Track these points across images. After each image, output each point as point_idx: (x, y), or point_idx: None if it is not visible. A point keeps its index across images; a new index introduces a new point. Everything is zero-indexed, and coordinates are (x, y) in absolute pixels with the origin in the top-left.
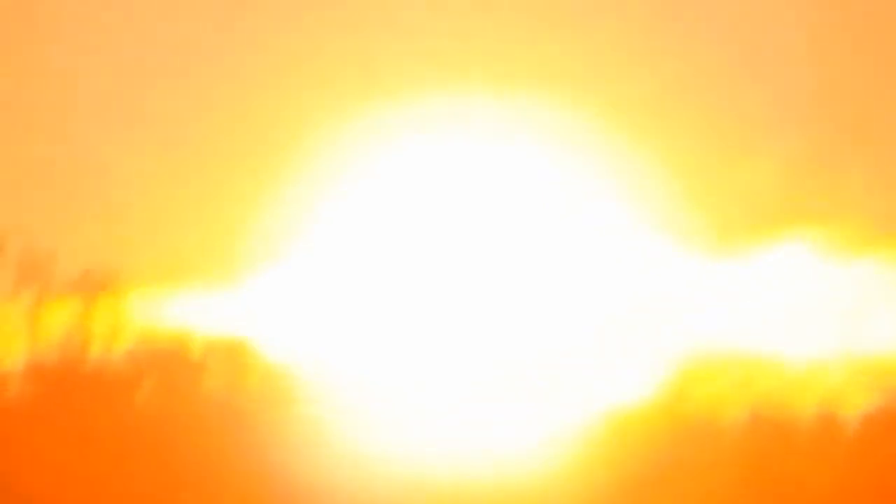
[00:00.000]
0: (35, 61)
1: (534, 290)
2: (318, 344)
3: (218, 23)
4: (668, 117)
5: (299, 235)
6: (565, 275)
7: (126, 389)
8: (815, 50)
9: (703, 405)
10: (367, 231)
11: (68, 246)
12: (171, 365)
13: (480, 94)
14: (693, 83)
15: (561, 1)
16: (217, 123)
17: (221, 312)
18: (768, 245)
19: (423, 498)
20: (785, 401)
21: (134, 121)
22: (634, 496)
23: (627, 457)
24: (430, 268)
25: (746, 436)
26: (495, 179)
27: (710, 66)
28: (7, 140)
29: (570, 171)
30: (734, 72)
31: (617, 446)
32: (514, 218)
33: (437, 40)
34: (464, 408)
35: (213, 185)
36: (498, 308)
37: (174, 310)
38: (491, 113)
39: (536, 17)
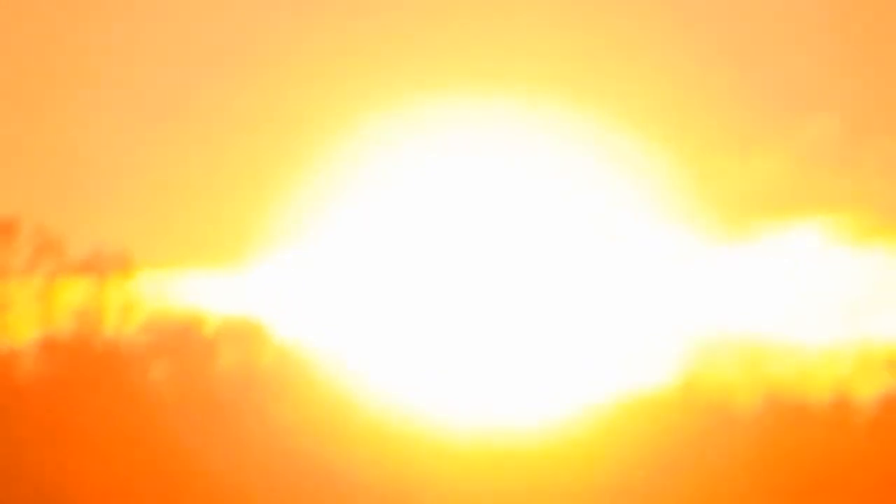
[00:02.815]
0: (50, 53)
1: (552, 278)
2: (329, 324)
3: (233, 17)
4: (681, 108)
5: (310, 218)
6: (584, 263)
7: (139, 367)
8: (830, 39)
9: (718, 389)
10: (376, 216)
11: (81, 226)
12: (183, 343)
13: (492, 92)
14: (707, 73)
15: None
16: (232, 111)
17: (234, 293)
18: (781, 233)
19: (435, 474)
20: (798, 384)
21: (149, 108)
22: (651, 477)
23: (644, 439)
24: (440, 252)
25: (760, 418)
26: (511, 173)
27: (726, 55)
28: (24, 125)
29: (589, 164)
30: (748, 61)
31: (633, 429)
32: (527, 208)
33: (440, 41)
34: (474, 389)
35: (227, 169)
36: (514, 292)
37: (187, 290)
38: (504, 109)
39: (541, 14)
